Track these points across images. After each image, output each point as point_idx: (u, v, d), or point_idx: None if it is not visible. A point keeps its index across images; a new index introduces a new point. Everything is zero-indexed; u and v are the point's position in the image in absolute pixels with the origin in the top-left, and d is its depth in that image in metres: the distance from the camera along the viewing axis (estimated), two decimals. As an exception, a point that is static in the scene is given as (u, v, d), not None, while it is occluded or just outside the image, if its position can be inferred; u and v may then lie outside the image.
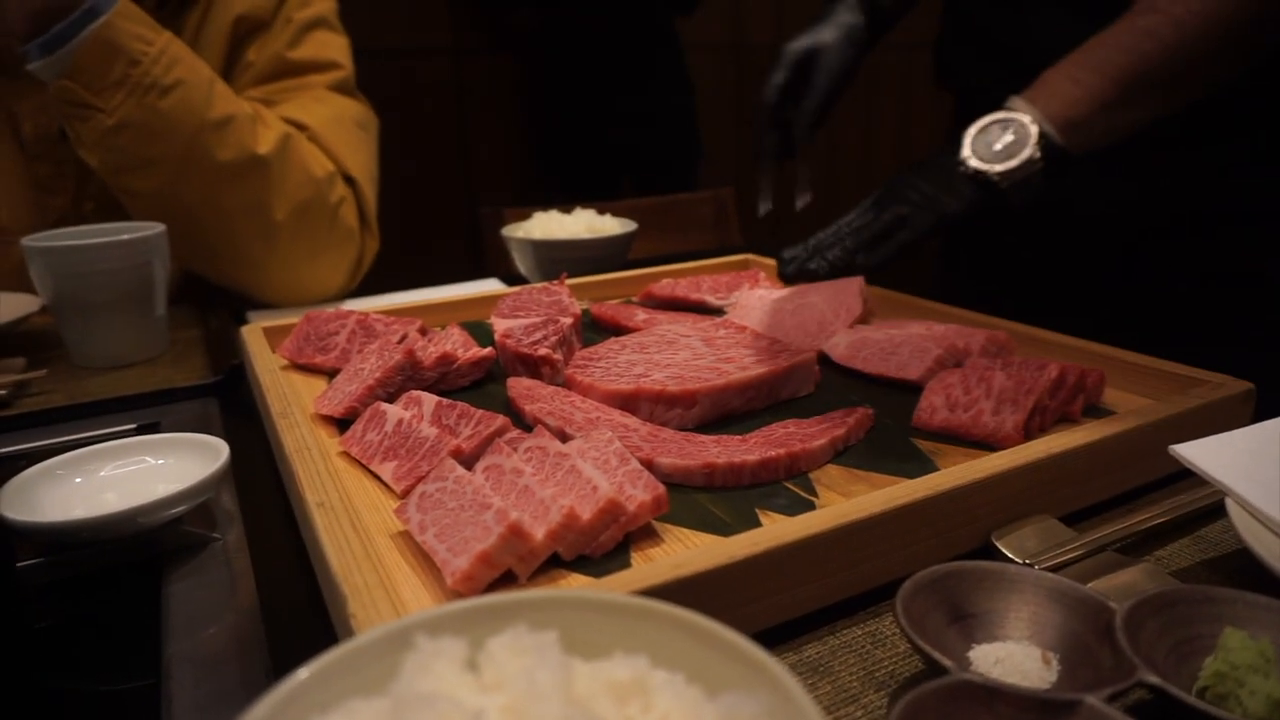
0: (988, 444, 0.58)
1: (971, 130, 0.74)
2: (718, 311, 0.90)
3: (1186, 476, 0.52)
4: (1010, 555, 0.48)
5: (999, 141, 0.72)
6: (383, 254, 1.22)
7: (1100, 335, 0.72)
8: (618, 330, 0.85)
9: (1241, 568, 0.49)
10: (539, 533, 0.44)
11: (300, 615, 0.49)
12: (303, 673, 0.26)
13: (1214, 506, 0.53)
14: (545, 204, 1.30)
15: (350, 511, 0.48)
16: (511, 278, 1.17)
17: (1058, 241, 0.92)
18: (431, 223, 2.65)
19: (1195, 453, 0.49)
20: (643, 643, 0.31)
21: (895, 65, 3.11)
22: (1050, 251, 0.93)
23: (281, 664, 0.43)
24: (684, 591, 0.40)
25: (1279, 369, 0.64)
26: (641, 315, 0.86)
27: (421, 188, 2.64)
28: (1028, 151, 0.70)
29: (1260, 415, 0.61)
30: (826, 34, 0.94)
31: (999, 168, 0.71)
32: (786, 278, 0.81)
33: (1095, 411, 0.63)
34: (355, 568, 0.41)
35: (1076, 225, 0.89)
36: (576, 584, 0.44)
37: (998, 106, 0.74)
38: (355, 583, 0.40)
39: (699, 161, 2.54)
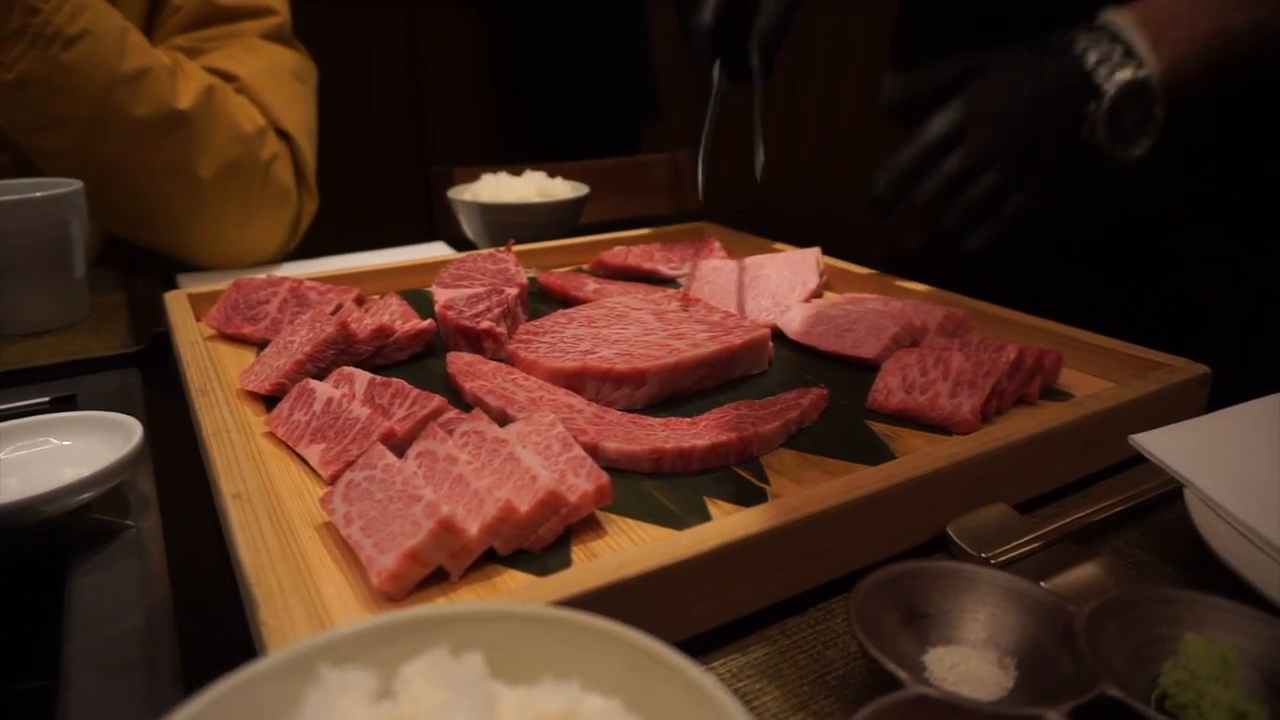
0: (944, 427, 0.57)
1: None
2: (671, 282, 0.87)
3: (1142, 462, 0.50)
4: (966, 548, 0.46)
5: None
6: (333, 215, 1.16)
7: (1059, 313, 0.70)
8: (566, 301, 0.81)
9: (1196, 557, 0.48)
10: (473, 527, 0.41)
11: (218, 613, 0.45)
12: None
13: (1168, 494, 0.52)
14: (500, 164, 1.25)
15: (271, 502, 0.44)
16: (459, 241, 1.13)
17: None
18: (385, 182, 2.57)
19: (1154, 443, 0.48)
20: (577, 663, 0.28)
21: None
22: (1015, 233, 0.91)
23: (193, 669, 0.40)
24: (627, 593, 0.38)
25: (1231, 351, 0.63)
26: (592, 285, 0.82)
27: (375, 145, 2.56)
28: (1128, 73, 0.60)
29: (1214, 398, 0.61)
30: None
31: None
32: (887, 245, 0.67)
33: (1052, 393, 0.62)
34: (270, 568, 0.38)
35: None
36: (514, 582, 0.42)
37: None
38: (269, 585, 0.37)
39: (654, 124, 2.50)
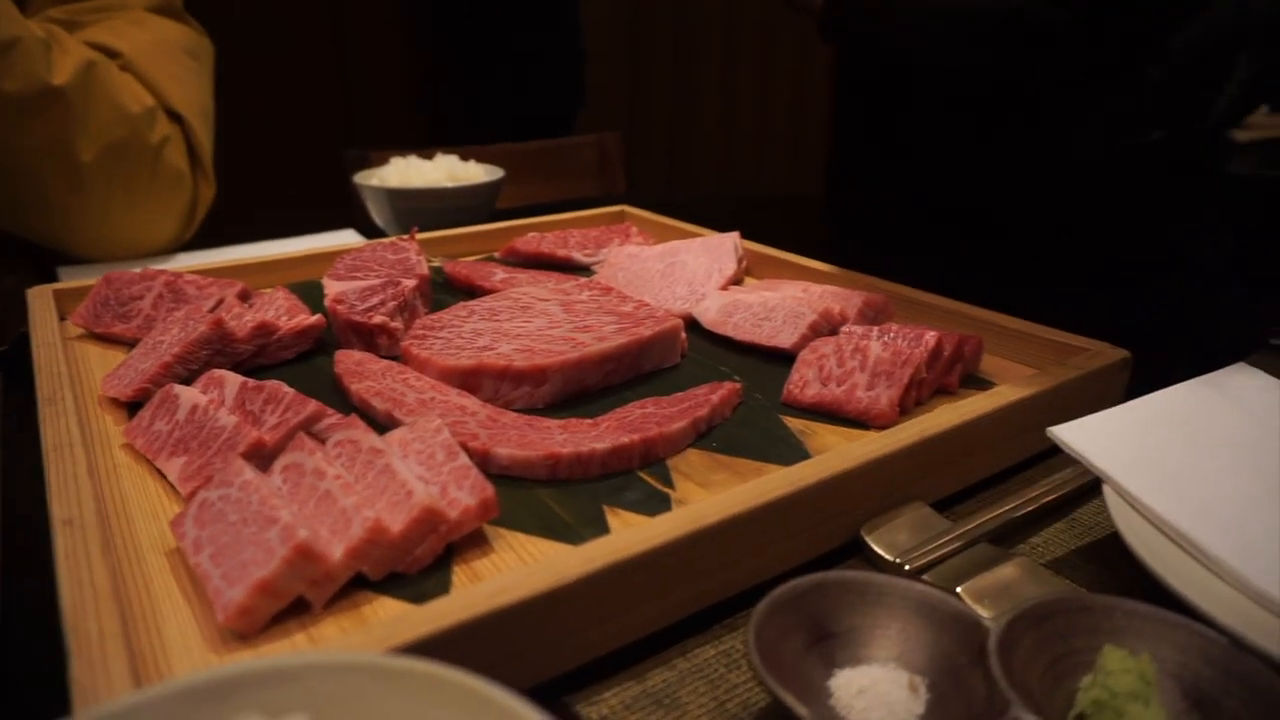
0: (861, 421, 0.54)
1: None
2: (585, 270, 0.83)
3: (1061, 452, 0.48)
4: (881, 552, 0.44)
5: None
6: (251, 200, 1.09)
7: (977, 296, 0.68)
8: (473, 292, 0.77)
9: (1117, 554, 0.46)
10: (336, 552, 0.37)
11: (49, 662, 0.40)
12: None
13: (1087, 486, 0.50)
14: (425, 146, 1.19)
15: (115, 527, 0.40)
16: (370, 229, 1.07)
17: (951, 199, 0.88)
18: (307, 165, 2.47)
19: (1073, 435, 0.46)
20: (421, 721, 0.25)
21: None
22: (943, 210, 0.90)
23: (10, 725, 0.35)
24: (508, 621, 0.34)
25: (1152, 334, 0.62)
26: (500, 275, 0.78)
27: (297, 126, 2.45)
28: None
29: (1133, 382, 0.59)
30: None
31: None
32: None
33: (973, 381, 0.60)
34: (93, 610, 0.33)
35: (971, 183, 0.85)
36: (384, 612, 0.37)
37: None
38: (86, 631, 0.32)
39: (579, 112, 2.45)
